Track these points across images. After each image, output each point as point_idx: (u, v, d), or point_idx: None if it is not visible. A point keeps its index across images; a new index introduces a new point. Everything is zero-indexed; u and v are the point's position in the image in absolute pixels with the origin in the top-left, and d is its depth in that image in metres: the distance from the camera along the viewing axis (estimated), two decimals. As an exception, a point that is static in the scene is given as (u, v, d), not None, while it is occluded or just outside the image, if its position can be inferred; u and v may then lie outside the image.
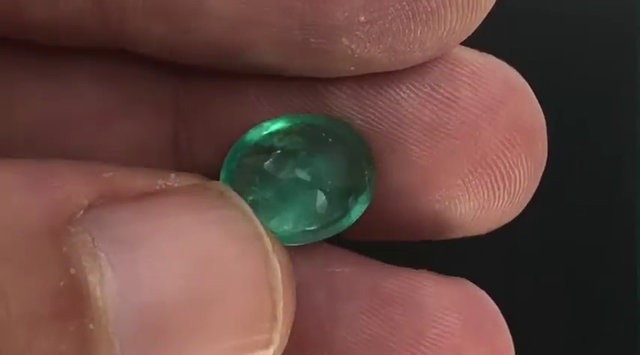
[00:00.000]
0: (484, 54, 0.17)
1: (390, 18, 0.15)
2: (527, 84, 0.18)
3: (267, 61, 0.16)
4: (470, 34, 0.16)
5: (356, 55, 0.16)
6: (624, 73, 0.30)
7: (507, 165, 0.17)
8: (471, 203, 0.17)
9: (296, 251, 0.17)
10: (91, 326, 0.12)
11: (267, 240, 0.13)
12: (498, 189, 0.17)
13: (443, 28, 0.15)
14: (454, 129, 0.16)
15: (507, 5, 0.29)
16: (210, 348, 0.13)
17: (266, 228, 0.14)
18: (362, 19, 0.15)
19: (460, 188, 0.17)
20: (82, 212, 0.12)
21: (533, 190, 0.18)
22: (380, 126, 0.16)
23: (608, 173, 0.30)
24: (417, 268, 0.18)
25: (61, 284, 0.12)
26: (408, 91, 0.16)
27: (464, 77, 0.17)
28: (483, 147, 0.17)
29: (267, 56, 0.16)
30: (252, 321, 0.13)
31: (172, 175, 0.14)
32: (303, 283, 0.17)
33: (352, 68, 0.16)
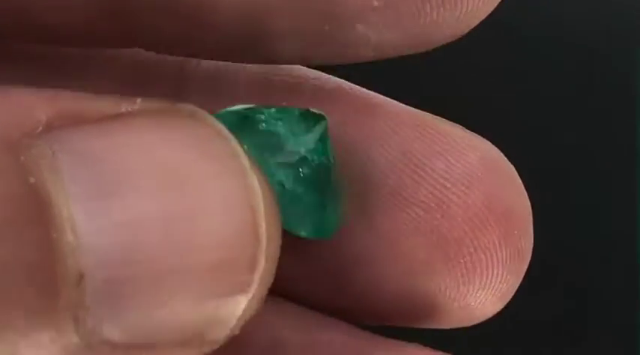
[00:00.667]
0: (468, 131, 0.17)
1: (404, 2, 0.15)
2: (511, 167, 0.17)
3: (283, 52, 0.16)
4: (489, 12, 0.16)
5: (372, 41, 0.15)
6: (624, 73, 0.30)
7: (477, 247, 0.16)
8: (438, 283, 0.16)
9: (285, 315, 0.16)
10: (55, 235, 0.11)
11: (244, 158, 0.13)
12: (467, 272, 0.16)
13: (460, 9, 0.15)
14: (421, 200, 0.16)
15: (508, 5, 0.29)
16: (189, 266, 0.12)
17: (245, 150, 0.13)
18: (375, 3, 0.15)
19: (424, 263, 0.16)
20: (40, 128, 0.12)
21: (515, 283, 0.17)
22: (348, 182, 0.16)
23: (608, 173, 0.30)
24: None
25: (20, 191, 0.11)
26: (377, 153, 0.16)
27: (439, 148, 0.16)
28: (451, 223, 0.16)
29: (282, 46, 0.16)
30: (234, 240, 0.12)
31: (138, 100, 0.13)
32: (288, 349, 0.16)
33: (372, 54, 0.16)
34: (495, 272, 0.16)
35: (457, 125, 0.17)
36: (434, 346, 0.16)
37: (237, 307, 0.13)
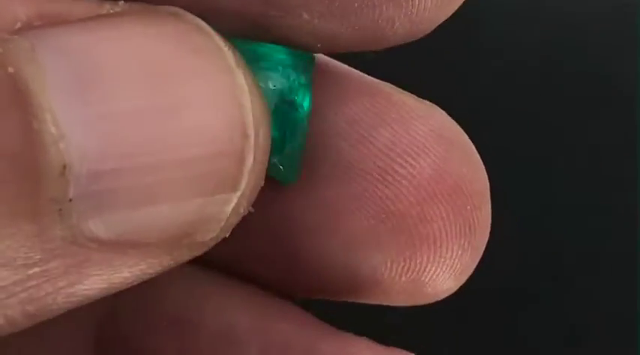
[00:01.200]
0: (424, 101, 0.16)
1: None
2: (466, 140, 0.16)
3: (230, 33, 0.16)
4: (447, 16, 0.15)
5: (319, 31, 0.15)
6: (624, 73, 0.30)
7: (423, 219, 0.15)
8: (382, 256, 0.16)
9: (237, 298, 0.16)
10: (36, 125, 0.11)
11: (229, 53, 0.12)
12: (413, 245, 0.15)
13: (411, 5, 0.15)
14: (365, 171, 0.16)
15: (508, 5, 0.29)
16: (173, 162, 0.12)
17: (230, 45, 0.12)
18: None
19: (368, 235, 0.15)
20: (19, 25, 0.12)
21: (471, 260, 0.16)
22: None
23: (608, 173, 0.30)
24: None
25: None
26: (327, 122, 0.16)
27: (388, 118, 0.16)
28: (396, 194, 0.15)
29: (229, 28, 0.15)
30: (221, 134, 0.12)
31: (121, 2, 0.13)
32: (238, 334, 0.16)
33: (319, 45, 0.15)
34: (445, 246, 0.16)
35: (411, 95, 0.16)
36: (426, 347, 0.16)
37: (226, 205, 0.12)
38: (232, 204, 0.12)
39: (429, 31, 0.15)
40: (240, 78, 0.12)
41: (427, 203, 0.15)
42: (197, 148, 0.12)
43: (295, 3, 0.15)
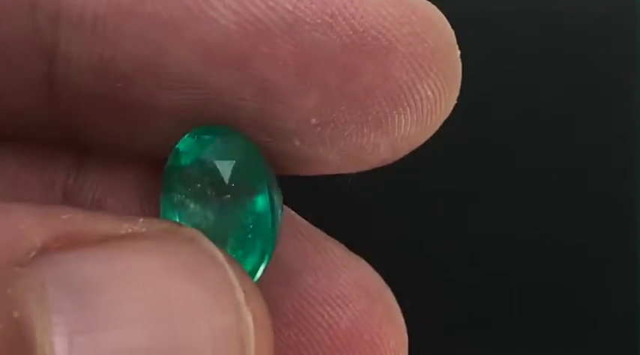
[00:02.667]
0: (351, 253, 0.16)
1: (342, 121, 0.15)
2: (390, 296, 0.16)
3: None
4: (428, 137, 0.16)
5: (308, 156, 0.15)
6: (624, 73, 0.30)
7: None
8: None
9: None
10: None
11: (239, 289, 0.12)
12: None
13: (397, 133, 0.15)
14: (283, 312, 0.16)
15: (508, 5, 0.29)
16: None
17: (241, 272, 0.13)
18: (313, 121, 0.15)
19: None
20: (33, 253, 0.11)
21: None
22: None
23: (608, 173, 0.30)
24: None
25: (1, 327, 0.11)
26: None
27: (313, 264, 0.16)
28: (310, 340, 0.15)
29: None
30: None
31: (140, 220, 0.13)
32: None
33: (307, 169, 0.16)
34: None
35: (341, 244, 0.16)
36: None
37: None
38: None
39: (407, 153, 0.16)
40: (247, 316, 0.12)
41: (340, 354, 0.15)
42: None
43: (289, 130, 0.15)
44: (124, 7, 0.14)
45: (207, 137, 0.15)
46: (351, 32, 0.14)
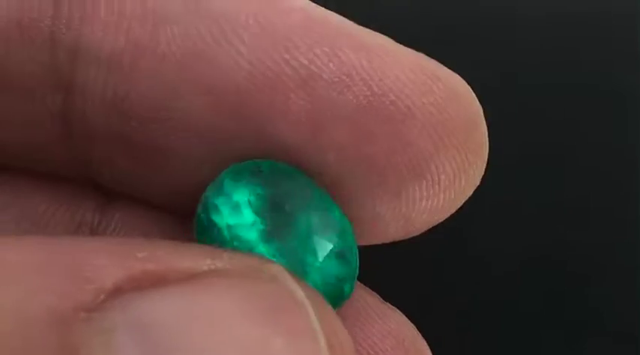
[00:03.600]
0: (386, 303, 0.16)
1: (358, 186, 0.14)
2: (425, 349, 0.16)
3: None
4: (442, 217, 0.15)
5: None
6: (624, 73, 0.30)
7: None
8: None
9: None
10: None
11: (321, 336, 0.11)
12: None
13: (413, 205, 0.15)
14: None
15: (508, 5, 0.29)
16: None
17: (325, 314, 0.12)
18: (328, 181, 0.14)
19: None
20: (103, 296, 0.11)
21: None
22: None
23: (608, 173, 0.30)
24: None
25: None
26: None
27: (344, 315, 0.15)
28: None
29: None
30: None
31: (225, 255, 0.12)
32: None
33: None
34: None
35: (374, 294, 0.16)
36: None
37: None
38: None
39: (420, 232, 0.15)
40: None
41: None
42: None
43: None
44: (140, 45, 0.14)
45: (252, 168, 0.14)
46: (368, 93, 0.14)
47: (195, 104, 0.14)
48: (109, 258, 0.11)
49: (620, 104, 0.30)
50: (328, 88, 0.14)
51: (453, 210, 0.15)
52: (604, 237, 0.29)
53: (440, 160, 0.14)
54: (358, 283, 0.15)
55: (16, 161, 0.16)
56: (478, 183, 0.15)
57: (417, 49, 0.15)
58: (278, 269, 0.12)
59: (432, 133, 0.14)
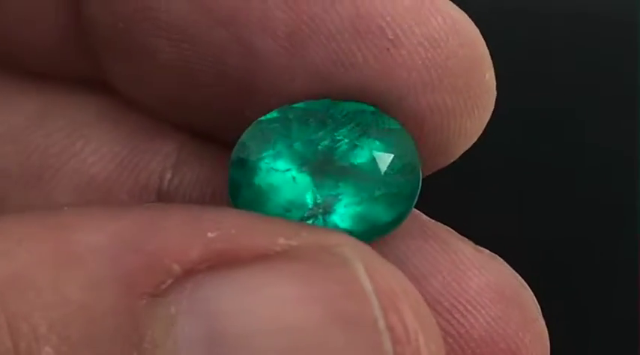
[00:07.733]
0: (484, 250, 0.15)
1: None
2: (528, 298, 0.14)
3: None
4: (445, 164, 0.14)
5: None
6: (624, 72, 0.30)
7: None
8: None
9: None
10: None
11: (383, 327, 0.11)
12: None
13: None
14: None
15: (508, 5, 0.29)
16: None
17: (389, 303, 0.11)
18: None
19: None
20: (170, 281, 0.11)
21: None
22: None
23: (608, 173, 0.30)
24: None
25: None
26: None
27: (440, 266, 0.14)
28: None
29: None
30: None
31: (299, 233, 0.11)
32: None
33: None
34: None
35: (470, 242, 0.15)
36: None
37: None
38: None
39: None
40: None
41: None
42: None
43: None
44: None
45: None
46: (354, 14, 0.13)
47: (177, 5, 0.13)
48: (177, 238, 0.11)
49: (621, 104, 0.30)
50: (311, 2, 0.13)
51: (445, 164, 0.14)
52: (604, 236, 0.29)
53: (426, 101, 0.13)
54: (453, 232, 0.14)
55: (29, 61, 0.15)
56: (478, 134, 0.14)
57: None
58: (352, 252, 0.11)
59: (420, 68, 0.13)
